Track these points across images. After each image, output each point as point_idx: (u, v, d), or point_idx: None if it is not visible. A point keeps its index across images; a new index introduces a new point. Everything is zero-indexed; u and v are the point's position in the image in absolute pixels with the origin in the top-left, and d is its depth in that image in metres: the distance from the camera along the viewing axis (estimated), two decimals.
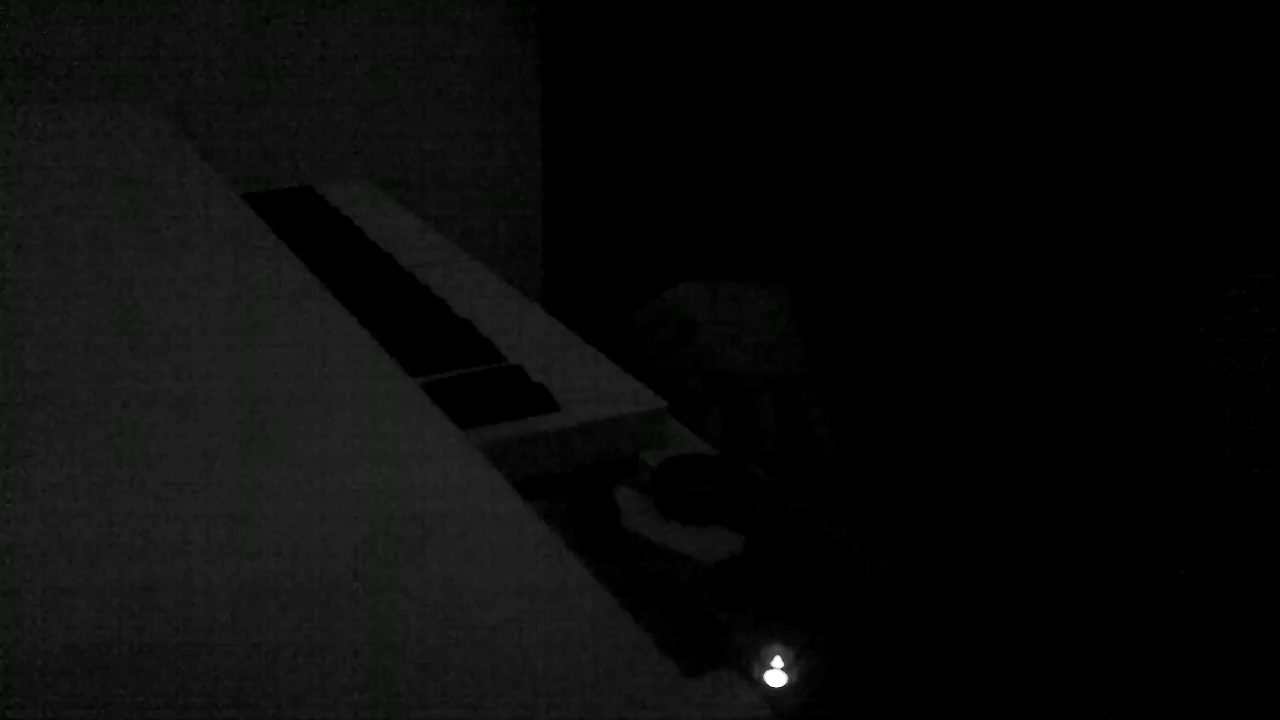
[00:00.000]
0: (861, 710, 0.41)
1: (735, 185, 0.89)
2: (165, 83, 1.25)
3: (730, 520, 0.51)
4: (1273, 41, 0.71)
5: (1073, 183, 0.75)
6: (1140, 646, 0.79)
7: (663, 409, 0.65)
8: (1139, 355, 0.77)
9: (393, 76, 1.35)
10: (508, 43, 1.37)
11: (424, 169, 1.38)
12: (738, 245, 0.87)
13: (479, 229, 1.38)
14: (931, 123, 0.78)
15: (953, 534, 0.79)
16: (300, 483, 0.40)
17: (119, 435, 0.41)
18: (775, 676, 0.41)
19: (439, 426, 0.45)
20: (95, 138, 0.77)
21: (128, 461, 0.40)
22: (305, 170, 1.30)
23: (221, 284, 0.55)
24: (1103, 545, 0.80)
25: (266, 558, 0.35)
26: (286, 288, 0.55)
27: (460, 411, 0.58)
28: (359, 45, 1.33)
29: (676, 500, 0.53)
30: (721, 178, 0.89)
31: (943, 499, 0.80)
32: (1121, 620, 0.80)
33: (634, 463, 0.64)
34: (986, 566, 0.78)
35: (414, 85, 1.36)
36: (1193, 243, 0.74)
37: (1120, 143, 0.74)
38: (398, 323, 0.71)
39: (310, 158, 1.33)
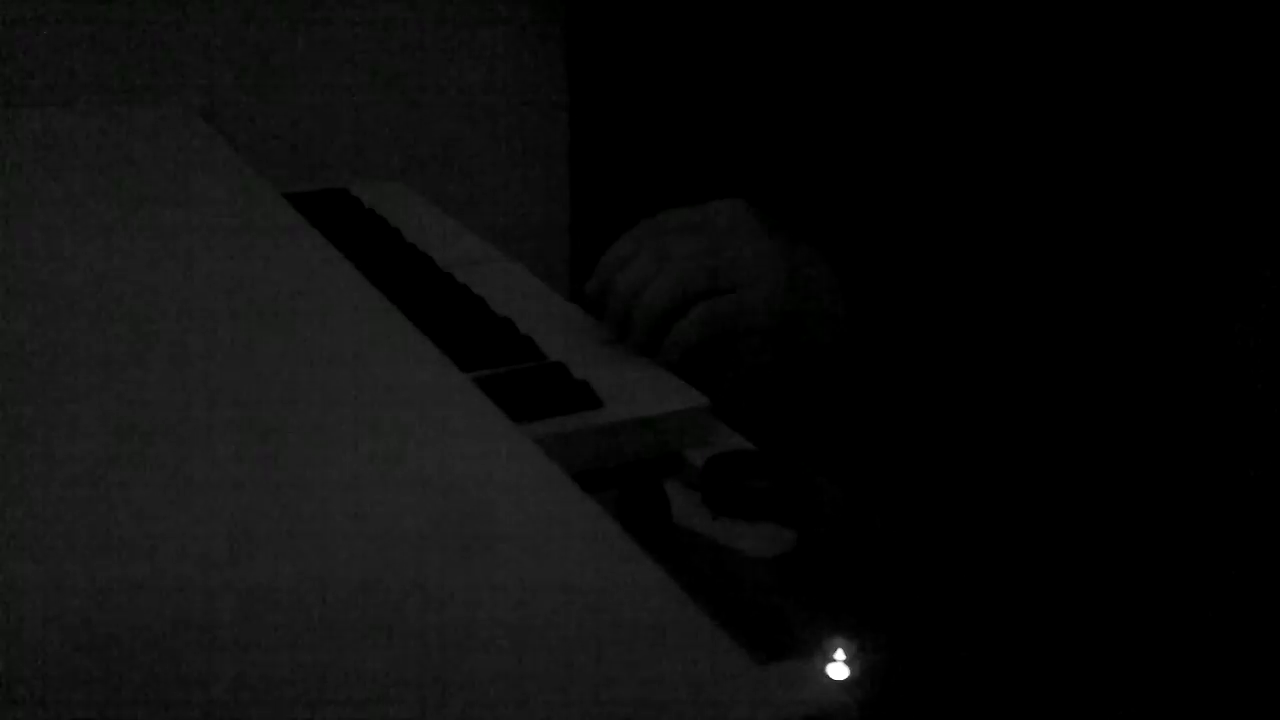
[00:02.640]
0: (922, 700, 0.41)
1: (765, 180, 0.89)
2: (188, 84, 1.25)
3: (782, 516, 0.51)
4: None
5: (1106, 167, 0.75)
6: (1165, 642, 0.79)
7: (706, 406, 0.65)
8: (1175, 345, 0.77)
9: (414, 73, 1.35)
10: (533, 37, 1.37)
11: (446, 166, 1.38)
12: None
13: (504, 227, 1.38)
14: (967, 115, 0.78)
15: (982, 521, 0.79)
16: (363, 476, 0.40)
17: (178, 432, 0.41)
18: (838, 669, 0.41)
19: (497, 422, 0.45)
20: (135, 138, 0.78)
21: (185, 454, 0.40)
22: (327, 171, 1.30)
23: (272, 282, 0.55)
24: (1138, 533, 0.80)
25: (330, 551, 0.36)
26: (336, 286, 0.56)
27: (504, 408, 0.58)
28: (380, 43, 1.33)
29: (728, 496, 0.53)
30: (750, 172, 0.89)
31: (973, 488, 0.80)
32: (1151, 611, 0.80)
33: (676, 459, 0.64)
34: (1016, 556, 0.78)
35: (436, 82, 1.36)
36: (1228, 224, 0.73)
37: (1153, 127, 0.74)
38: (439, 321, 0.71)
39: (329, 158, 1.33)
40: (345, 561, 0.35)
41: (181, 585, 0.34)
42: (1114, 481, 0.79)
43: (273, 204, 0.65)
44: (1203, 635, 0.76)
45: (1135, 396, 0.78)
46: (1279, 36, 0.72)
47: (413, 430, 0.42)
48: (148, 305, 0.50)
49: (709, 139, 0.96)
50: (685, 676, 0.32)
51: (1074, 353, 0.77)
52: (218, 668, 0.31)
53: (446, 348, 0.62)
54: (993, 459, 0.79)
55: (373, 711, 0.30)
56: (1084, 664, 0.69)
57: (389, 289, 0.60)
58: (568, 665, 0.32)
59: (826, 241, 0.80)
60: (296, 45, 1.29)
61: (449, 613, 0.33)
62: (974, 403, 0.77)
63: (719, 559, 0.50)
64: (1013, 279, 0.76)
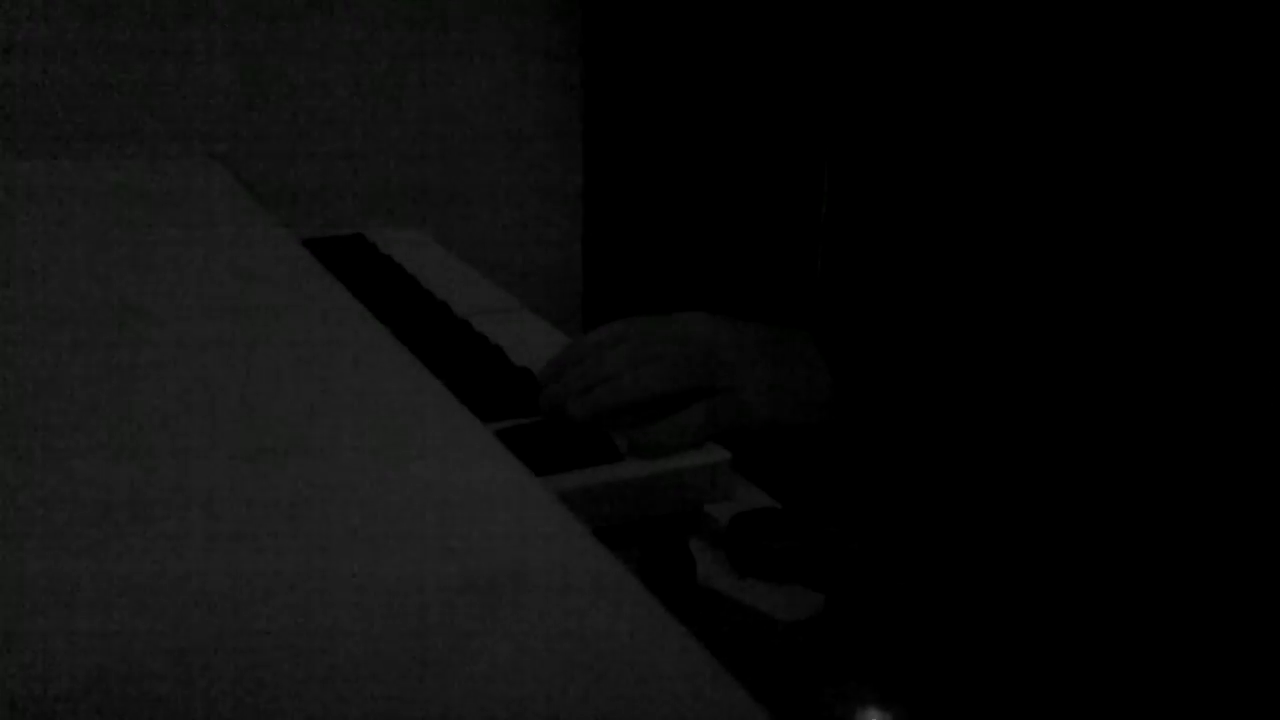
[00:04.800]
0: None
1: (777, 229, 0.88)
2: (210, 130, 1.25)
3: (809, 578, 0.50)
4: None
5: (1093, 208, 0.75)
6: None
7: (727, 460, 0.64)
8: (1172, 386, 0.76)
9: (430, 118, 1.35)
10: (550, 82, 1.38)
11: (461, 213, 1.38)
12: (779, 286, 0.86)
13: (518, 274, 1.37)
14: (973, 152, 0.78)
15: (1008, 580, 0.78)
16: (377, 529, 0.39)
17: (189, 484, 0.40)
18: None
19: (517, 476, 0.44)
20: (153, 184, 0.77)
21: (195, 506, 0.39)
22: (344, 215, 1.30)
23: (288, 330, 0.54)
24: (1171, 572, 0.78)
25: (342, 606, 0.35)
26: (353, 334, 0.55)
27: (524, 461, 0.57)
28: (396, 90, 1.34)
29: (753, 556, 0.51)
30: (764, 222, 0.89)
31: (992, 545, 0.78)
32: (1186, 656, 0.78)
33: (697, 515, 0.63)
34: (1047, 615, 0.77)
35: (451, 126, 1.37)
36: (1233, 224, 0.72)
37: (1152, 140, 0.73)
38: (457, 371, 0.70)
39: (346, 202, 1.33)
40: (356, 618, 0.34)
41: (187, 636, 0.32)
42: (1137, 519, 0.78)
43: (290, 250, 0.64)
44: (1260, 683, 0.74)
45: (1135, 427, 0.77)
46: None
47: (429, 483, 0.41)
48: (162, 351, 0.49)
49: (722, 188, 0.96)
50: None
51: (1073, 396, 0.76)
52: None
53: (465, 398, 0.61)
54: (1007, 512, 0.78)
55: None
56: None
57: (406, 337, 0.59)
58: None
59: (816, 304, 0.79)
60: (313, 91, 1.30)
61: (465, 673, 0.32)
62: (978, 459, 0.76)
63: (745, 622, 0.48)
64: (1008, 327, 0.76)
